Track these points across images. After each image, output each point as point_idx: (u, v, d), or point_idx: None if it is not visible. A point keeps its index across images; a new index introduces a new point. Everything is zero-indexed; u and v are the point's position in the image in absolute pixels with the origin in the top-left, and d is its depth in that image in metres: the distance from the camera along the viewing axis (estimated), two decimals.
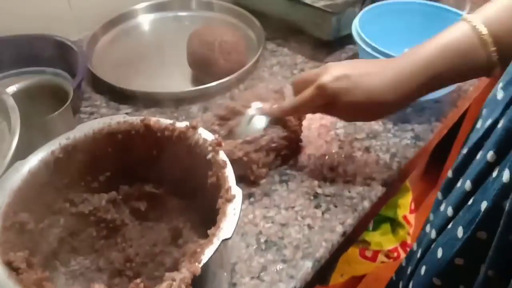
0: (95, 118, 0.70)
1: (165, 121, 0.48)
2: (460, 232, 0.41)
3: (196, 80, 0.78)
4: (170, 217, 0.52)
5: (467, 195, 0.42)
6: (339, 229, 0.54)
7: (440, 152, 1.38)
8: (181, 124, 0.48)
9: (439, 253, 0.44)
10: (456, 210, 0.44)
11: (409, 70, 0.50)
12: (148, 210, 0.52)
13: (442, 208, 0.49)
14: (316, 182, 0.60)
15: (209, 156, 0.45)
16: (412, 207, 1.32)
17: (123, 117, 0.49)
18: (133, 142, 0.49)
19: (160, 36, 0.89)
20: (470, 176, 0.43)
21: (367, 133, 0.67)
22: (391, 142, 0.65)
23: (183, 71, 0.79)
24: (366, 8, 0.77)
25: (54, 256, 0.47)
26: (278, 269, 0.51)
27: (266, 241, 0.53)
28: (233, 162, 0.57)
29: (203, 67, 0.75)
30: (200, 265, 0.35)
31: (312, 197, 0.58)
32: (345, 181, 0.60)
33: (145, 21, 0.91)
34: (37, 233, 0.44)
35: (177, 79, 0.79)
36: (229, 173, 0.43)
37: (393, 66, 0.51)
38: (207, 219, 0.47)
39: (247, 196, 0.58)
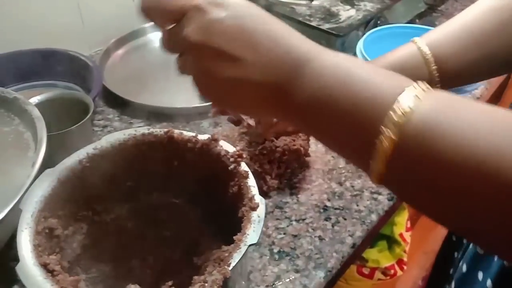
0: (109, 132, 0.72)
1: (188, 134, 0.51)
2: None
3: None
4: (188, 226, 0.53)
5: None
6: (349, 240, 0.57)
7: None
8: (204, 137, 0.50)
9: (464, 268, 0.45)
10: None
11: None
12: (167, 219, 0.54)
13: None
14: (325, 196, 0.62)
15: (231, 167, 0.47)
16: (408, 225, 1.35)
17: (147, 129, 0.51)
18: (157, 153, 0.51)
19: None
20: None
21: None
22: None
23: (191, 87, 0.81)
24: (369, 32, 0.81)
25: (76, 262, 0.48)
26: (291, 278, 0.52)
27: (279, 252, 0.55)
28: None
29: None
30: (230, 269, 0.37)
31: (321, 210, 0.60)
32: (352, 195, 0.62)
33: (155, 38, 0.94)
34: (63, 239, 0.46)
35: (186, 95, 0.81)
36: (252, 183, 0.46)
37: None
38: (225, 228, 0.49)
39: None
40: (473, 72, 0.50)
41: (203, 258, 0.48)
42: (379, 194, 0.62)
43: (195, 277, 0.38)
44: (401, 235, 1.32)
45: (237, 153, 0.48)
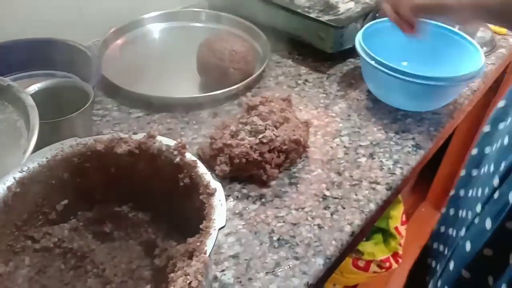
0: (107, 121, 0.72)
1: (121, 134, 0.48)
2: (488, 224, 0.44)
3: (204, 87, 0.81)
4: (137, 232, 0.52)
5: (494, 190, 0.46)
6: (348, 229, 0.57)
7: (429, 166, 1.43)
8: (139, 136, 0.48)
9: (467, 246, 0.47)
10: (483, 205, 0.47)
11: None
12: (113, 230, 0.52)
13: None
14: (324, 185, 0.63)
15: (177, 159, 0.46)
16: (403, 218, 1.36)
17: (74, 140, 0.48)
18: (90, 163, 0.48)
19: (169, 44, 0.92)
20: (498, 172, 0.47)
21: (371, 141, 0.70)
22: (394, 150, 0.69)
23: (191, 78, 0.82)
24: (368, 24, 0.82)
25: None
26: (291, 265, 0.53)
27: (278, 239, 0.56)
28: (248, 162, 0.59)
29: (212, 74, 0.78)
30: (207, 255, 0.37)
31: (321, 199, 0.61)
32: (351, 184, 0.63)
33: (154, 29, 0.94)
34: (6, 277, 0.42)
35: (185, 86, 0.81)
36: (203, 170, 0.45)
37: None
38: (180, 223, 0.49)
39: (259, 197, 0.61)
40: None
41: (164, 258, 0.48)
42: (378, 184, 0.63)
43: (171, 275, 0.37)
44: (396, 228, 1.33)
45: (180, 145, 0.47)
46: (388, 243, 1.31)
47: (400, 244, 1.31)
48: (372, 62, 0.72)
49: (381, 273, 1.29)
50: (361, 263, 1.28)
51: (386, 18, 0.85)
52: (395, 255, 1.31)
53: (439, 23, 0.81)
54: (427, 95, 0.73)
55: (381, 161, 0.67)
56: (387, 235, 1.31)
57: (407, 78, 0.68)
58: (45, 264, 0.47)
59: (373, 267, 1.29)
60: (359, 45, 0.76)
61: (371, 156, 0.68)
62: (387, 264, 1.29)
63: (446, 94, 0.75)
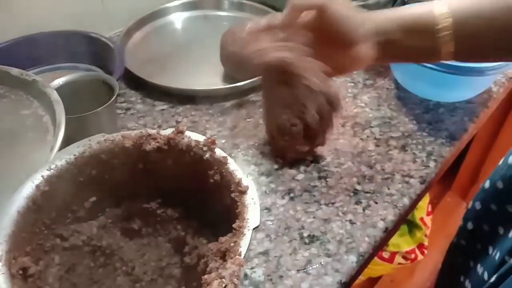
0: (132, 114, 0.71)
1: (149, 131, 0.47)
2: None
3: (227, 78, 0.79)
4: (166, 229, 0.51)
5: None
6: (381, 225, 0.55)
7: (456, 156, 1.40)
8: (167, 131, 0.47)
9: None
10: None
11: (380, 21, 0.52)
12: (141, 227, 0.51)
13: None
14: (355, 179, 0.61)
15: (207, 155, 0.45)
16: (429, 209, 1.33)
17: (102, 136, 0.47)
18: (118, 160, 0.47)
19: (192, 34, 0.90)
20: None
21: (403, 132, 0.68)
22: (427, 141, 0.66)
23: (214, 69, 0.80)
24: None
25: None
26: (323, 263, 0.51)
27: (309, 236, 0.54)
28: None
29: (236, 64, 0.76)
30: (242, 257, 0.36)
31: (352, 194, 0.59)
32: (383, 178, 0.61)
33: (177, 19, 0.92)
34: (37, 277, 0.41)
35: (208, 77, 0.79)
36: (234, 167, 0.44)
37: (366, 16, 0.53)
38: (210, 221, 0.48)
39: (287, 192, 0.59)
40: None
41: (194, 256, 0.47)
42: (411, 177, 0.61)
43: (205, 277, 0.35)
44: (421, 219, 1.31)
45: (209, 140, 0.45)
46: (414, 234, 1.29)
47: (426, 235, 1.29)
48: None
49: (406, 264, 1.28)
50: (385, 255, 1.26)
51: (415, 4, 0.82)
52: (420, 246, 1.29)
53: None
54: (458, 85, 0.70)
55: (414, 153, 0.64)
56: (412, 226, 1.29)
57: (436, 67, 0.65)
58: (74, 262, 0.47)
59: (398, 259, 1.27)
60: None
61: (403, 148, 0.65)
62: (413, 256, 1.27)
63: (478, 84, 0.72)
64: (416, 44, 0.51)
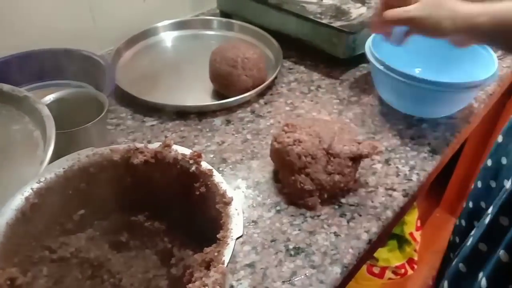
0: (121, 130, 0.73)
1: (137, 144, 0.48)
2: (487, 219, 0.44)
3: (217, 95, 0.81)
4: (153, 241, 0.52)
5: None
6: (365, 236, 0.56)
7: (443, 171, 1.42)
8: (154, 145, 0.48)
9: (468, 241, 0.47)
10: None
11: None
12: (129, 240, 0.52)
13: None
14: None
15: (193, 168, 0.46)
16: (418, 224, 1.34)
17: (91, 150, 0.48)
18: (106, 173, 0.48)
19: (181, 53, 0.92)
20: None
21: (386, 147, 0.69)
22: (409, 155, 0.68)
23: (203, 86, 0.82)
24: None
25: None
26: (308, 274, 0.52)
27: (294, 248, 0.55)
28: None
29: (225, 82, 0.78)
30: (225, 266, 0.37)
31: (336, 207, 0.60)
32: (367, 191, 0.62)
33: (167, 38, 0.95)
34: None
35: (198, 93, 0.81)
36: (219, 179, 0.45)
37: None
38: (196, 232, 0.49)
39: (274, 205, 0.60)
40: None
41: (181, 267, 0.48)
42: (394, 190, 0.62)
43: (189, 285, 0.37)
44: (411, 234, 1.32)
45: (195, 153, 0.47)
46: (403, 249, 1.29)
47: (415, 250, 1.29)
48: (381, 68, 0.71)
49: (397, 279, 1.28)
50: (376, 270, 1.26)
51: None
52: (410, 261, 1.29)
53: None
54: (440, 101, 0.72)
55: (397, 167, 0.66)
56: (402, 241, 1.30)
57: (417, 84, 0.67)
58: (62, 274, 0.47)
59: (388, 274, 1.27)
60: (368, 51, 0.76)
61: (387, 162, 0.67)
62: (403, 271, 1.27)
63: (459, 100, 0.74)
64: None
